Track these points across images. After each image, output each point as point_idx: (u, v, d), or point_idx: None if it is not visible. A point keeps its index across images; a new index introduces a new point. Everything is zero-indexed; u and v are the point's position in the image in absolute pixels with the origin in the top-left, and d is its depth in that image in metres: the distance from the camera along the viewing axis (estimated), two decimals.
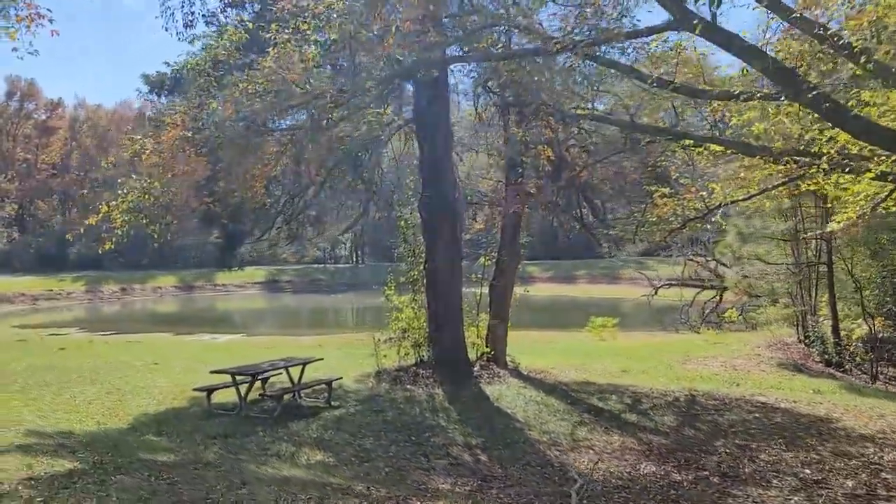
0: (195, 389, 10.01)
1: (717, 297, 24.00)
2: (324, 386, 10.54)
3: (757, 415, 10.50)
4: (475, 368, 12.55)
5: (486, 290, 13.90)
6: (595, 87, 11.21)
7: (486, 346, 13.31)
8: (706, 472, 7.81)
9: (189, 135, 8.67)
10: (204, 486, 5.51)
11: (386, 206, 12.79)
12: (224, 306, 48.56)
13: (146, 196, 8.72)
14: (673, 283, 25.82)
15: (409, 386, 11.63)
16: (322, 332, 29.00)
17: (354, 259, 77.50)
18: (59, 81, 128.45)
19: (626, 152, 14.89)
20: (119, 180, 9.38)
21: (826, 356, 17.13)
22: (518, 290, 14.33)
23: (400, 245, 14.02)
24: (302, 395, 10.67)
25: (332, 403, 10.45)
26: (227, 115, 7.79)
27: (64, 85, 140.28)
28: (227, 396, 10.25)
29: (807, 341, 18.11)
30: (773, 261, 19.74)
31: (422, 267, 13.11)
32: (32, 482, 5.09)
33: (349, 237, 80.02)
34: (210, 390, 9.88)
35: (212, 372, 9.88)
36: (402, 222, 13.28)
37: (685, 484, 7.39)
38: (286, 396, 10.03)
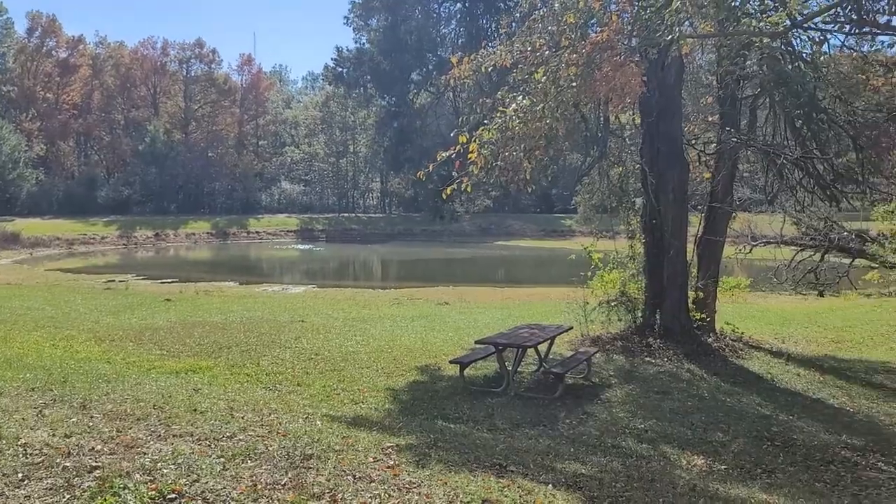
0: (451, 361, 8.48)
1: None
2: (583, 362, 8.98)
3: None
4: (710, 339, 11.03)
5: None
6: None
7: (698, 312, 11.77)
8: None
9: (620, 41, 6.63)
10: None
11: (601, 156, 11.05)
12: (273, 255, 46.83)
13: (521, 121, 6.71)
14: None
15: (648, 358, 10.14)
16: (403, 285, 27.37)
17: (385, 208, 75.67)
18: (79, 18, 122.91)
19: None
20: (479, 101, 7.53)
21: None
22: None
23: (596, 196, 12.36)
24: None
25: (593, 380, 8.95)
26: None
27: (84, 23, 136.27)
28: (453, 369, 8.64)
29: None
30: None
31: (637, 220, 11.54)
32: None
33: (378, 187, 78.13)
34: (465, 363, 8.35)
35: (477, 342, 8.31)
36: (619, 169, 11.59)
37: None
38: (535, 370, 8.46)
